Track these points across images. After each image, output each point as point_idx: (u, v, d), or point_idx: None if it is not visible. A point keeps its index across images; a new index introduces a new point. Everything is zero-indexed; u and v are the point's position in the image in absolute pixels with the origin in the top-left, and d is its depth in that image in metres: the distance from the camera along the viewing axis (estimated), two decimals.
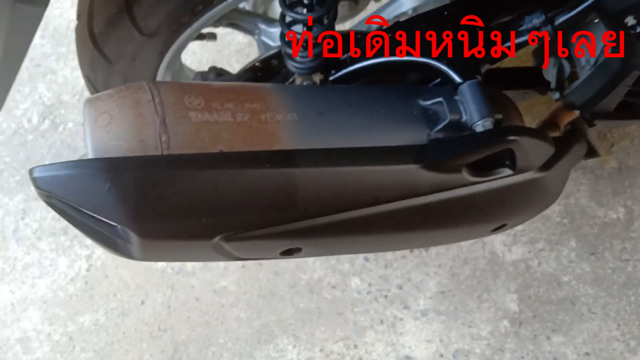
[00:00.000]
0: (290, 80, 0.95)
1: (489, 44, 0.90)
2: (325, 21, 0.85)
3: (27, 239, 1.59)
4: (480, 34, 0.88)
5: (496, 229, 0.92)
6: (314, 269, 1.52)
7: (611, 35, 0.86)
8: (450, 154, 0.79)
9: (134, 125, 0.68)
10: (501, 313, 1.44)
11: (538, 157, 0.86)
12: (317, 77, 0.93)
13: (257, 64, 0.98)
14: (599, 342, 1.40)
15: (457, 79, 0.85)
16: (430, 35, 0.88)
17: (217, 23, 1.16)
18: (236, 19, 1.21)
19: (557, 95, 1.03)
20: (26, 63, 1.80)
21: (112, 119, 0.69)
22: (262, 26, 1.20)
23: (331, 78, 0.94)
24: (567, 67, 1.01)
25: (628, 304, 1.42)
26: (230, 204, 0.67)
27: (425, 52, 0.87)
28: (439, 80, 0.90)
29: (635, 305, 1.42)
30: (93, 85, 1.07)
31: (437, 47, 0.86)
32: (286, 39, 0.86)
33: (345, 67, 0.93)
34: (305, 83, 0.92)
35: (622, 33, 0.82)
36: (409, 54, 0.88)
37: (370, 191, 0.76)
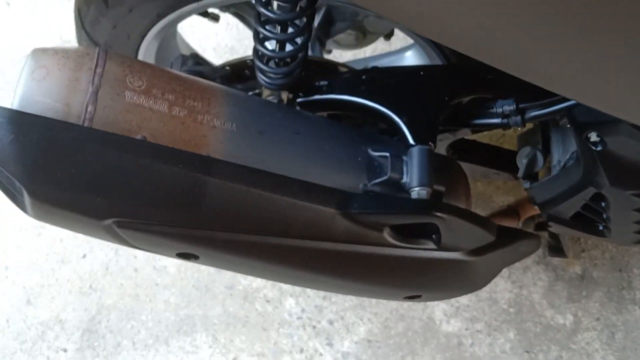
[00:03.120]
0: (257, 91, 0.94)
1: (455, 115, 0.89)
2: (299, 41, 0.84)
3: None
4: (450, 103, 0.86)
5: (410, 297, 0.90)
6: (254, 277, 1.51)
7: (577, 145, 0.83)
8: (374, 211, 0.77)
9: (65, 88, 0.68)
10: None
11: (469, 241, 0.84)
12: (285, 95, 0.92)
13: (227, 67, 0.97)
14: None
15: (410, 139, 0.84)
16: (401, 90, 0.87)
17: (224, 8, 1.15)
18: (245, 12, 1.20)
19: (527, 184, 1.01)
20: None
21: (47, 75, 0.69)
22: None
23: (299, 100, 0.93)
24: (540, 160, 0.98)
25: None
26: (131, 192, 0.67)
27: (391, 104, 0.86)
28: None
29: None
30: (82, 20, 1.05)
31: (403, 103, 0.85)
32: (257, 54, 0.86)
33: (313, 94, 0.92)
34: (269, 97, 0.91)
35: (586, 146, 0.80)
36: (374, 100, 0.87)
37: (283, 223, 0.74)
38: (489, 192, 1.62)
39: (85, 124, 0.68)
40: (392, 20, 0.66)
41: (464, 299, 1.47)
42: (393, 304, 1.47)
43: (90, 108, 0.69)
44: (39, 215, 0.69)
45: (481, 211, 1.59)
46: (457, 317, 1.45)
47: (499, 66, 0.60)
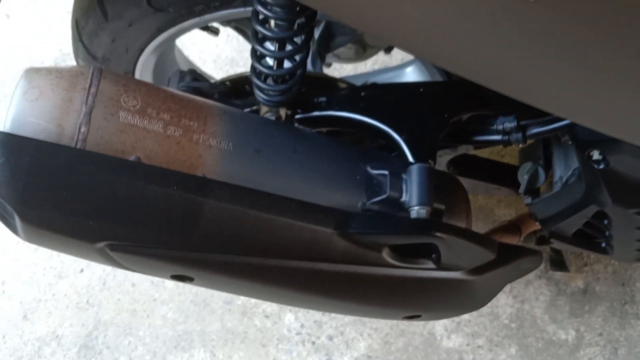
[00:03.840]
0: (255, 107, 0.93)
1: (456, 132, 0.87)
2: (297, 58, 0.83)
3: None
4: (450, 120, 0.85)
5: (410, 317, 0.88)
6: None
7: (579, 163, 0.82)
8: (372, 231, 0.76)
9: (58, 108, 0.67)
10: None
11: (469, 260, 0.83)
12: (283, 112, 0.91)
13: (225, 83, 0.96)
14: None
15: (410, 157, 0.83)
16: (400, 107, 0.85)
17: (225, 23, 1.14)
18: (245, 27, 1.20)
19: (529, 200, 0.99)
20: None
21: (40, 95, 0.68)
22: None
23: (297, 116, 0.92)
24: (541, 176, 0.97)
25: None
26: (124, 215, 0.66)
27: (390, 121, 0.85)
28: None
29: None
30: (79, 33, 1.04)
31: (402, 120, 0.84)
32: (255, 71, 0.85)
33: (312, 111, 0.91)
34: (267, 114, 0.90)
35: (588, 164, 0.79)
36: (373, 117, 0.86)
37: (279, 244, 0.73)
38: (490, 205, 1.60)
39: (78, 145, 0.67)
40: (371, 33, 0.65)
41: (465, 314, 1.45)
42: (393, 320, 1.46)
43: (83, 129, 0.68)
44: (31, 239, 0.67)
45: (483, 224, 1.58)
46: (458, 332, 1.44)
47: (487, 85, 0.59)
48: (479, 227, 1.53)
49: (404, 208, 0.81)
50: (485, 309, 1.47)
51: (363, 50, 1.21)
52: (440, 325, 1.45)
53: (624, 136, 0.60)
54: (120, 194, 0.65)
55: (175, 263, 0.71)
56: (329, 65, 1.31)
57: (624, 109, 0.55)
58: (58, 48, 1.80)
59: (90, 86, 0.70)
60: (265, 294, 0.81)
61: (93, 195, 0.64)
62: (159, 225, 0.68)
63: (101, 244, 0.66)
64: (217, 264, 0.72)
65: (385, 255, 0.78)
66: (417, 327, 1.45)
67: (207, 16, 1.00)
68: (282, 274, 0.75)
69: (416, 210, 0.79)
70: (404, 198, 0.81)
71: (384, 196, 0.81)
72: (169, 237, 0.69)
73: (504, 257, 0.88)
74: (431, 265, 0.80)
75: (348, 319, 1.46)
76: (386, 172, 0.81)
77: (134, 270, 0.74)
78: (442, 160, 1.03)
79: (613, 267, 1.48)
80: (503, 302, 1.47)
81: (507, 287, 1.49)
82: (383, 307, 0.84)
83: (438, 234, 0.75)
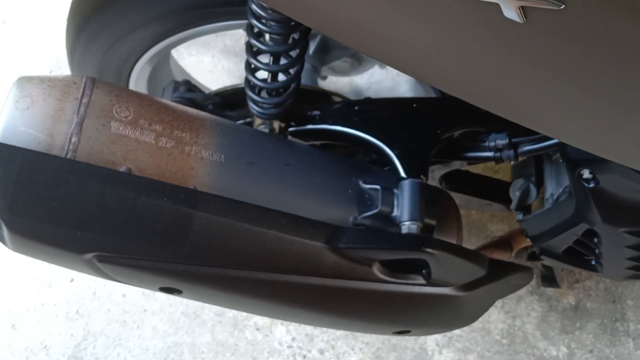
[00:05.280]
0: (249, 119, 0.93)
1: (448, 148, 0.88)
2: (292, 72, 0.83)
3: None
4: (442, 136, 0.86)
5: (399, 332, 0.88)
6: None
7: (570, 181, 0.83)
8: (363, 246, 0.76)
9: (50, 118, 0.67)
10: None
11: (460, 276, 0.83)
12: (277, 124, 0.91)
13: (220, 94, 0.96)
14: None
15: (402, 172, 0.83)
16: (393, 122, 0.86)
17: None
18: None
19: (520, 216, 0.99)
20: None
21: (32, 104, 0.67)
22: None
23: (291, 129, 0.92)
24: (533, 192, 0.97)
25: None
26: (113, 226, 0.65)
27: (383, 136, 0.85)
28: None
29: None
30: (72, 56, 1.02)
31: (395, 135, 0.84)
32: (249, 84, 0.85)
33: (306, 124, 0.91)
34: (261, 127, 0.90)
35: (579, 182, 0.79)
36: (366, 131, 0.86)
37: (269, 257, 0.73)
38: (483, 220, 1.61)
39: (69, 155, 0.67)
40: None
41: (456, 329, 1.45)
42: None
43: (74, 139, 0.67)
44: (18, 249, 0.67)
45: (476, 239, 1.58)
46: (450, 347, 1.43)
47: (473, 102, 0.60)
48: (472, 242, 1.53)
49: (395, 223, 0.81)
50: (477, 325, 1.47)
51: (359, 64, 1.22)
52: (431, 340, 1.44)
53: (609, 155, 0.60)
54: (109, 205, 0.64)
55: (164, 275, 0.70)
56: (324, 78, 1.31)
57: (608, 129, 0.56)
58: (54, 55, 1.80)
59: (82, 96, 0.70)
60: (254, 308, 0.80)
61: (82, 206, 0.64)
62: (148, 237, 0.67)
63: (89, 255, 0.66)
64: (206, 276, 0.71)
65: (376, 270, 0.78)
66: (408, 341, 1.44)
67: (200, 27, 0.99)
68: (271, 288, 0.75)
69: (407, 226, 0.80)
70: (396, 213, 0.81)
71: (375, 211, 0.81)
72: (158, 249, 0.68)
73: (495, 273, 0.88)
74: (421, 280, 0.80)
75: (339, 332, 1.45)
76: (378, 187, 0.82)
77: (122, 282, 0.73)
78: (435, 175, 1.03)
79: (604, 284, 1.48)
80: (495, 318, 1.47)
81: (499, 303, 1.49)
82: (372, 322, 0.83)
83: (428, 250, 0.75)
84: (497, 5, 0.48)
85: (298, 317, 0.81)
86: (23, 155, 0.62)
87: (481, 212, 1.58)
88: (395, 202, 0.81)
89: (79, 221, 0.64)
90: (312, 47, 1.13)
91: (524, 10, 0.48)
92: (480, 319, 1.50)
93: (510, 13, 0.49)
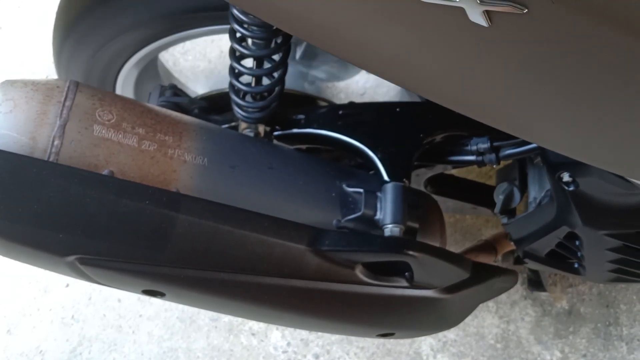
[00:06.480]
0: (234, 123, 0.94)
1: (431, 151, 0.88)
2: (275, 76, 0.84)
3: None
4: (425, 140, 0.86)
5: (383, 335, 0.88)
6: None
7: (550, 185, 0.83)
8: (345, 248, 0.76)
9: (32, 121, 0.68)
10: None
11: (442, 278, 0.83)
12: (261, 128, 0.93)
13: (205, 98, 0.97)
14: None
15: (385, 175, 0.83)
16: (376, 126, 0.87)
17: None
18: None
19: (504, 220, 1.00)
20: None
21: (15, 108, 0.69)
22: None
23: (276, 133, 0.93)
24: (517, 196, 0.98)
25: None
26: (95, 228, 0.66)
27: (366, 140, 0.86)
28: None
29: None
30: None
31: (378, 139, 0.85)
32: (233, 88, 0.86)
33: (291, 128, 0.92)
34: (246, 131, 0.91)
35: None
36: (350, 135, 0.87)
37: (252, 260, 0.73)
38: (477, 224, 1.61)
39: (51, 158, 0.68)
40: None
41: (451, 334, 1.45)
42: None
43: (56, 142, 0.68)
44: (1, 251, 0.68)
45: (470, 244, 1.58)
46: (444, 352, 1.43)
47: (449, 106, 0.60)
48: (465, 246, 1.53)
49: (378, 226, 0.82)
50: (471, 329, 1.47)
51: (346, 69, 1.23)
52: (426, 345, 1.44)
53: (584, 158, 0.61)
54: (91, 208, 0.65)
55: (147, 278, 0.71)
56: (312, 83, 1.32)
57: (581, 132, 0.56)
58: (51, 60, 1.82)
59: (65, 99, 0.71)
60: (237, 310, 0.81)
61: (64, 209, 0.65)
62: (130, 240, 0.68)
63: (71, 258, 0.67)
64: (189, 279, 0.72)
65: (359, 272, 0.79)
66: (403, 346, 1.44)
67: (187, 32, 1.00)
68: (254, 290, 0.75)
69: (390, 228, 0.80)
70: (379, 216, 0.81)
71: (358, 214, 0.81)
72: (141, 252, 0.69)
73: (478, 276, 0.88)
74: (404, 283, 0.81)
75: (334, 337, 1.46)
76: (361, 190, 0.82)
77: (104, 285, 0.74)
78: (420, 179, 1.03)
79: (598, 288, 1.48)
80: (489, 322, 1.47)
81: (493, 307, 1.49)
82: (356, 325, 0.84)
83: (410, 252, 0.76)
84: (462, 9, 0.49)
85: (281, 319, 0.82)
86: (5, 158, 0.63)
87: (475, 217, 1.58)
88: (378, 205, 0.82)
89: (61, 224, 0.65)
90: (298, 53, 1.14)
91: (488, 14, 0.49)
92: (475, 323, 1.51)
93: (476, 17, 0.49)
